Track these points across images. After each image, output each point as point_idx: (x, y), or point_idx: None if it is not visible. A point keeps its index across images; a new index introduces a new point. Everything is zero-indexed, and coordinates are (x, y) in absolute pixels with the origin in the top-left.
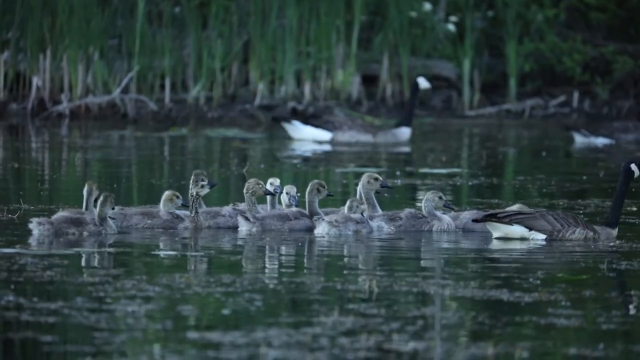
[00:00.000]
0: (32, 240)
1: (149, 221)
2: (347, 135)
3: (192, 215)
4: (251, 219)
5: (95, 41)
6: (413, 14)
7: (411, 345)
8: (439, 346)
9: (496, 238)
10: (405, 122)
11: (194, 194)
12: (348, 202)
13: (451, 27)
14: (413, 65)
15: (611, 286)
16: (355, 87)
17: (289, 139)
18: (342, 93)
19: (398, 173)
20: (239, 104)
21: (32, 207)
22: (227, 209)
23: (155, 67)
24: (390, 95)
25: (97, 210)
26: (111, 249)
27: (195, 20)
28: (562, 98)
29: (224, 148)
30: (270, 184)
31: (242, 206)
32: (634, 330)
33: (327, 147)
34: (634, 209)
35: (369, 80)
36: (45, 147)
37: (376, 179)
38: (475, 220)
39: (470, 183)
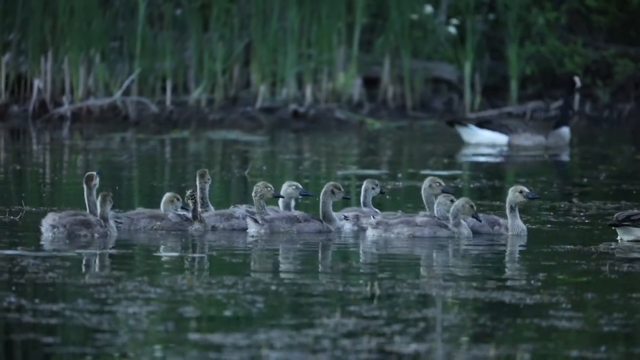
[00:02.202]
0: (45, 243)
1: (158, 223)
2: (523, 138)
3: (195, 216)
4: (260, 221)
5: (97, 43)
6: (414, 16)
7: (413, 347)
8: (440, 348)
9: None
10: (564, 122)
11: (191, 194)
12: (365, 184)
13: (452, 29)
14: (414, 67)
15: (613, 288)
16: (356, 89)
17: (463, 142)
18: (344, 95)
19: (399, 175)
20: (240, 106)
21: (33, 209)
22: (240, 211)
23: (157, 69)
24: (392, 97)
25: (99, 211)
26: (113, 251)
27: (196, 23)
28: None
29: (225, 150)
30: (296, 187)
31: (241, 208)
32: (636, 333)
33: (505, 150)
34: (635, 211)
35: (370, 83)
36: (46, 149)
37: (439, 184)
38: (612, 225)
39: (471, 185)
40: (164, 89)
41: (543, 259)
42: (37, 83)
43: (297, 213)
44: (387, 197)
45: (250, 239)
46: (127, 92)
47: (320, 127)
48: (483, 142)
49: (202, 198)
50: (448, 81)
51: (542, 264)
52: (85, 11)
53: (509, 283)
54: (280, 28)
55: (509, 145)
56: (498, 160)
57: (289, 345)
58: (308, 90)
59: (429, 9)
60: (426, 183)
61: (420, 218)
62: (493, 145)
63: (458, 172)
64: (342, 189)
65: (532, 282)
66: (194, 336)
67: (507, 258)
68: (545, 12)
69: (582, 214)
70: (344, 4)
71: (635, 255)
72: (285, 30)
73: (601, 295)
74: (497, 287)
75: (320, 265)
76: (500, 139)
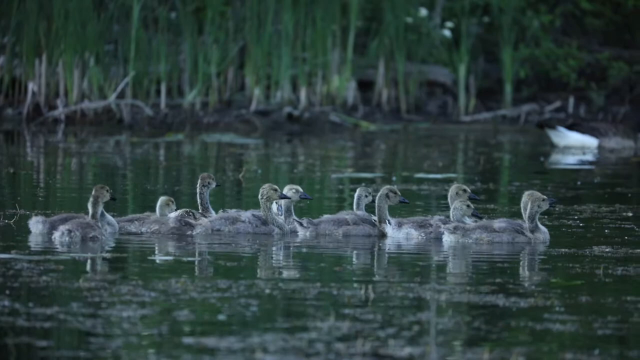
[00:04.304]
0: (59, 246)
1: (156, 227)
2: (613, 142)
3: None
4: (305, 224)
5: (91, 46)
6: (409, 19)
7: (407, 351)
8: (434, 351)
9: None
10: None
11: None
12: (358, 191)
13: (447, 32)
14: (409, 70)
15: (607, 292)
16: (351, 92)
17: (551, 145)
18: (338, 98)
19: (394, 179)
20: (234, 109)
21: (27, 212)
22: (246, 215)
23: (151, 73)
24: (386, 100)
25: (90, 212)
26: (108, 254)
27: (191, 26)
28: (557, 104)
29: (219, 153)
30: (296, 191)
31: (231, 212)
32: (630, 336)
33: (595, 155)
34: (630, 214)
35: (365, 86)
36: (40, 152)
37: (465, 190)
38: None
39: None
40: (158, 92)
41: (537, 262)
42: (31, 86)
43: (347, 215)
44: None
45: (241, 242)
46: (121, 95)
47: (315, 130)
48: (573, 145)
49: (202, 203)
50: (442, 84)
51: (537, 267)
52: (80, 14)
53: (503, 286)
54: (275, 31)
55: (599, 148)
56: (586, 165)
57: (283, 349)
58: (302, 94)
59: (423, 12)
60: (452, 191)
61: (498, 224)
62: (582, 148)
63: (453, 175)
64: (399, 193)
65: (527, 285)
66: (187, 340)
67: (501, 262)
68: (539, 15)
69: (576, 217)
70: (338, 7)
71: (629, 258)
72: (279, 34)
73: (595, 298)
74: (492, 290)
75: (312, 268)
76: (590, 142)
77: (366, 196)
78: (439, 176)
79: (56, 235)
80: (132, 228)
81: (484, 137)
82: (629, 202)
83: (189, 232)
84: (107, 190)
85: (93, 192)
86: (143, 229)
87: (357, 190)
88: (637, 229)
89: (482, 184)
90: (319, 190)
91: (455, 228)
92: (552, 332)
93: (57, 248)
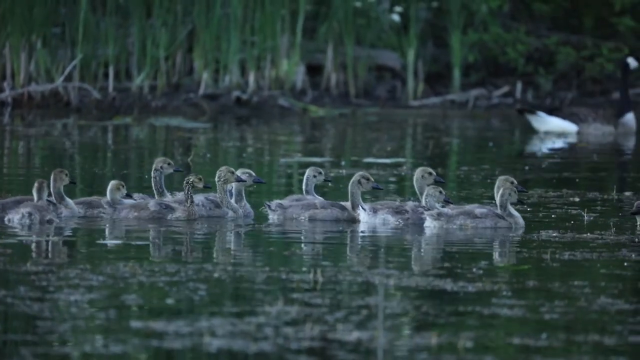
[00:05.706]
0: (10, 229)
1: (135, 214)
2: (592, 127)
3: (188, 205)
4: (273, 208)
5: (38, 29)
6: (358, 3)
7: (355, 335)
8: (382, 336)
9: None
10: (627, 108)
11: (190, 181)
12: (307, 172)
13: (396, 17)
14: (358, 55)
15: (554, 276)
16: (299, 76)
17: (533, 131)
18: (287, 82)
19: (343, 163)
20: (183, 93)
21: None
22: (199, 198)
23: (99, 56)
24: (335, 85)
25: (35, 198)
26: (56, 238)
27: (139, 9)
28: (505, 89)
29: (168, 137)
30: (249, 175)
31: (179, 195)
32: (576, 320)
33: (574, 140)
34: (577, 199)
35: (314, 70)
36: None
37: (430, 174)
38: (634, 213)
39: (414, 173)
40: (106, 75)
41: (484, 247)
42: None
43: (317, 200)
44: (330, 184)
45: (194, 226)
46: (69, 78)
47: (264, 114)
48: (553, 130)
49: (156, 187)
50: (391, 69)
51: (484, 251)
52: None
53: (450, 271)
54: (224, 15)
55: (579, 134)
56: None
57: (231, 333)
58: (251, 78)
59: None
60: (418, 174)
61: (479, 209)
62: (562, 134)
63: (401, 159)
64: (372, 179)
65: (474, 270)
66: (135, 324)
67: (448, 246)
68: (488, 0)
69: (523, 201)
70: None
71: (576, 243)
72: (228, 17)
73: (542, 283)
74: (440, 275)
75: (260, 252)
76: (570, 127)
77: (315, 176)
78: (387, 161)
79: (15, 217)
80: (98, 213)
81: (433, 122)
82: (577, 187)
83: (169, 216)
84: (66, 174)
85: (52, 176)
86: (121, 214)
87: (307, 170)
88: (583, 214)
89: (431, 168)
90: (267, 175)
91: (439, 214)
92: (499, 317)
93: (4, 231)
